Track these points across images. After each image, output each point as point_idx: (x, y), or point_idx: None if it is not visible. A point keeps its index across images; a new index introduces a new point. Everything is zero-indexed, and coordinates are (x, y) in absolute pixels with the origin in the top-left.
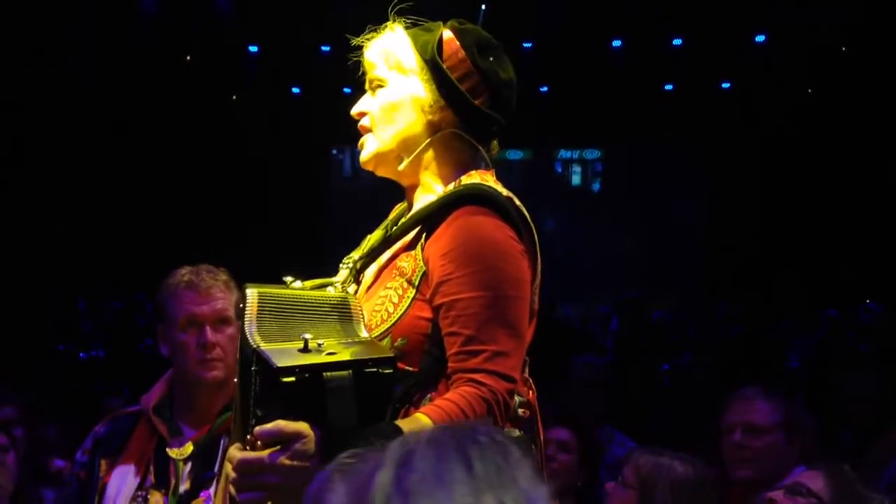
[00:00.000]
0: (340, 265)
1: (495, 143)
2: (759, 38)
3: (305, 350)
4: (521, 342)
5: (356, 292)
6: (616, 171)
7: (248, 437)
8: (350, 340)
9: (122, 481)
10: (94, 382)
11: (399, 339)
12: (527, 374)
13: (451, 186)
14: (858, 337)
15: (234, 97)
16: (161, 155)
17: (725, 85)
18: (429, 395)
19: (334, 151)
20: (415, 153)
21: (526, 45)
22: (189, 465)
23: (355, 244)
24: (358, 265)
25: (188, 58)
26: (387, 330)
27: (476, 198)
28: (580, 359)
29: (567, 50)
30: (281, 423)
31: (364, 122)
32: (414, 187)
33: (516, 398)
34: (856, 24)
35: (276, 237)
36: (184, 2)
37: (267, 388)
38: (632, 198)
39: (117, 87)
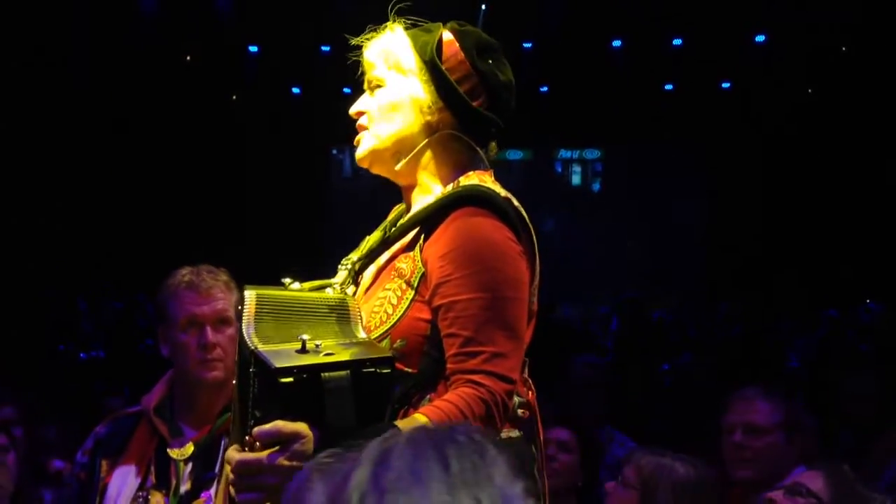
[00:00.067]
0: (339, 266)
1: (493, 144)
2: (759, 38)
3: (303, 351)
4: (520, 343)
5: (355, 294)
6: (616, 171)
7: (247, 438)
8: (348, 341)
9: (122, 482)
10: (94, 383)
11: (398, 341)
12: (526, 375)
13: (449, 187)
14: (858, 337)
15: (234, 97)
16: (161, 155)
17: (725, 85)
18: (428, 396)
19: (334, 151)
20: (412, 153)
21: (526, 45)
22: (190, 465)
23: (355, 244)
24: (356, 266)
25: (188, 58)
26: (386, 331)
27: (474, 199)
28: (580, 359)
29: (567, 50)
30: (279, 424)
31: (362, 121)
32: (411, 187)
33: (516, 399)
34: (856, 24)
35: (275, 237)
36: (184, 2)
37: (265, 390)
38: (632, 198)
39: (117, 87)
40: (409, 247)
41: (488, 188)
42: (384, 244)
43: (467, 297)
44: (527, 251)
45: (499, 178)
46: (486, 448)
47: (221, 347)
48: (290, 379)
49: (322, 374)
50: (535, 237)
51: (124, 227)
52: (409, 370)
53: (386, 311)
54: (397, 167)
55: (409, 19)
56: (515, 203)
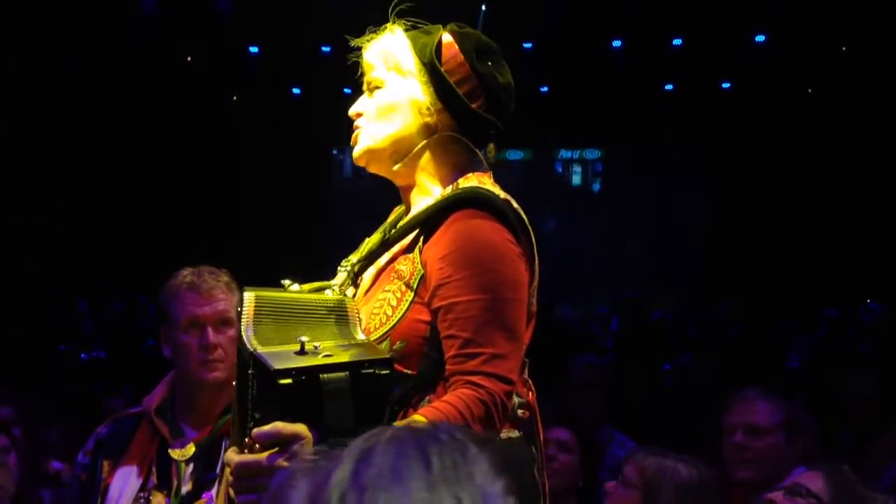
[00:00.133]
0: (339, 268)
1: (492, 146)
2: (759, 38)
3: (302, 353)
4: (519, 344)
5: (354, 295)
6: (616, 172)
7: (247, 439)
8: (347, 343)
9: (124, 482)
10: (95, 383)
11: (398, 342)
12: (526, 376)
13: (448, 189)
14: (859, 337)
15: (235, 98)
16: (161, 155)
17: (725, 85)
18: (427, 398)
19: (335, 152)
20: (410, 154)
21: (526, 45)
22: (191, 466)
23: (355, 245)
24: (356, 268)
25: (188, 58)
26: (385, 333)
27: (473, 201)
28: (580, 359)
29: (567, 50)
30: (279, 425)
31: (359, 121)
32: (410, 188)
33: (515, 399)
34: (856, 24)
35: (276, 238)
36: (184, 2)
37: (264, 391)
38: (632, 198)
39: (117, 87)
40: (409, 249)
41: (487, 190)
42: (383, 246)
43: (467, 299)
44: (526, 253)
45: (499, 179)
46: (467, 447)
47: (223, 348)
48: (289, 380)
49: (321, 376)
50: (534, 238)
51: (125, 227)
52: (409, 372)
53: (385, 313)
54: (395, 168)
55: (408, 21)
56: (514, 204)
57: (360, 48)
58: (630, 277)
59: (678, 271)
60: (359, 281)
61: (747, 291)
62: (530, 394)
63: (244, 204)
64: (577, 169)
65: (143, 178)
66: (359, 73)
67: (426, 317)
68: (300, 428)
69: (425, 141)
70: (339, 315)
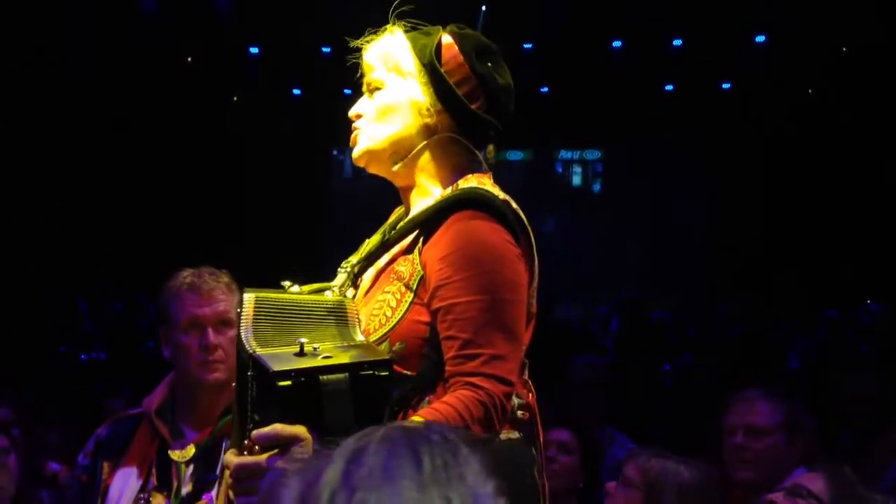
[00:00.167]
0: (339, 269)
1: (492, 147)
2: (760, 39)
3: (301, 354)
4: (519, 345)
5: (354, 296)
6: (616, 172)
7: (246, 441)
8: (346, 344)
9: (124, 484)
10: (95, 384)
11: (397, 343)
12: (526, 377)
13: (448, 190)
14: (859, 338)
15: (235, 98)
16: (161, 156)
17: (726, 85)
18: (427, 399)
19: (335, 152)
20: (410, 155)
21: (526, 45)
22: (191, 467)
23: (355, 245)
24: (355, 269)
25: (189, 59)
26: (385, 334)
27: (473, 202)
28: (580, 359)
29: (567, 51)
30: (278, 427)
31: (359, 123)
32: (409, 189)
33: (515, 400)
34: (856, 24)
35: (276, 238)
36: (184, 3)
37: (263, 393)
38: (632, 198)
39: (117, 87)
40: (408, 250)
41: (487, 191)
42: (383, 247)
43: (466, 300)
44: (525, 254)
45: (499, 179)
46: (458, 447)
47: (223, 349)
48: (289, 382)
49: (320, 377)
50: (533, 239)
51: (125, 227)
52: (408, 373)
53: (385, 314)
54: (394, 168)
55: (408, 22)
56: (514, 205)
57: (359, 49)
58: (630, 278)
59: (678, 272)
60: (358, 282)
61: (747, 292)
62: (530, 395)
63: (244, 204)
64: (578, 169)
65: (143, 178)
66: (358, 75)
67: (426, 318)
68: (300, 430)
69: (425, 142)
70: (339, 316)
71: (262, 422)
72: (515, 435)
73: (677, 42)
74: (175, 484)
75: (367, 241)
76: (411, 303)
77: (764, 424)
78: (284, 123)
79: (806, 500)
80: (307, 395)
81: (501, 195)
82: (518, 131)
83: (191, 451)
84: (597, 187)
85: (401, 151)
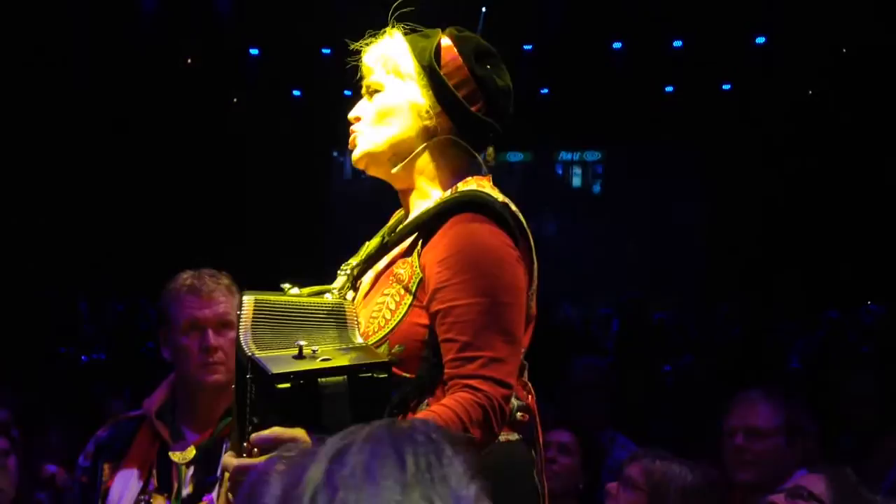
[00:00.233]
0: (338, 272)
1: (491, 149)
2: (760, 40)
3: (300, 357)
4: (517, 348)
5: (354, 299)
6: (617, 173)
7: (245, 444)
8: (345, 346)
9: (124, 485)
10: (95, 386)
11: (396, 346)
12: (525, 378)
13: (447, 193)
14: (859, 338)
15: (235, 99)
16: (161, 157)
17: (726, 86)
18: (426, 401)
19: (335, 154)
20: (409, 157)
21: (526, 47)
22: (192, 468)
23: (355, 247)
24: (355, 272)
25: (189, 60)
26: (384, 336)
27: (472, 205)
28: (581, 361)
29: (567, 52)
30: (277, 430)
31: (357, 126)
32: (409, 191)
33: (515, 402)
34: (856, 24)
35: (276, 240)
36: (184, 4)
37: (262, 396)
38: (632, 199)
39: (117, 88)
40: (408, 252)
41: (486, 194)
42: (382, 249)
43: (465, 303)
44: (524, 256)
45: (499, 180)
46: (443, 449)
47: (223, 351)
48: (287, 385)
49: (319, 380)
50: (532, 242)
51: (125, 228)
52: (408, 375)
53: (384, 317)
54: (394, 170)
55: (408, 25)
56: (513, 208)
57: (359, 51)
58: (631, 279)
59: (679, 273)
60: (358, 284)
61: (747, 293)
62: (530, 397)
63: (244, 206)
64: (578, 171)
65: (143, 179)
66: (358, 77)
67: (425, 320)
68: (299, 433)
69: (424, 144)
70: (338, 319)
71: (261, 424)
72: (515, 436)
73: (677, 43)
74: (175, 485)
75: (366, 243)
76: (410, 305)
77: (764, 426)
78: (284, 125)
79: (807, 502)
80: (306, 397)
81: (501, 198)
82: (518, 132)
83: (191, 452)
84: (597, 188)
85: (400, 154)
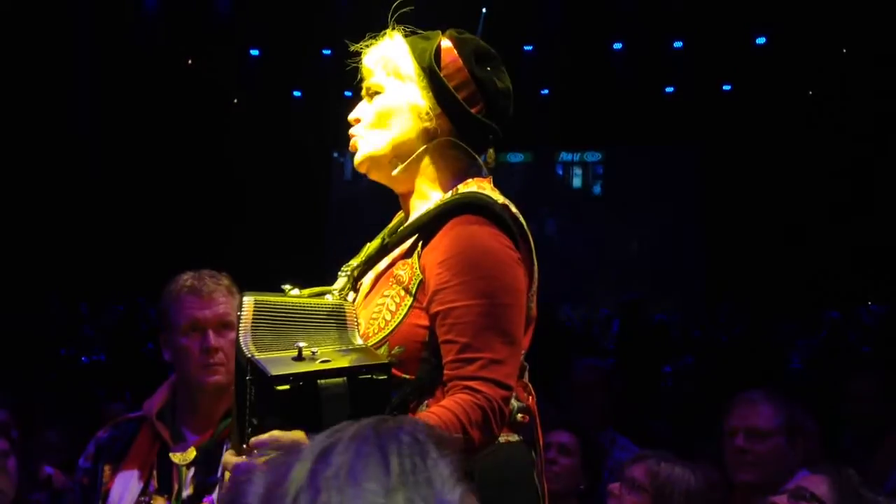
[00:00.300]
0: (339, 273)
1: (492, 151)
2: (760, 41)
3: (299, 358)
4: (517, 349)
5: (355, 300)
6: (617, 174)
7: (244, 446)
8: (345, 348)
9: (125, 487)
10: (95, 387)
11: (396, 347)
12: (526, 380)
13: (448, 194)
14: (860, 338)
15: (236, 100)
16: (162, 158)
17: (726, 87)
18: (426, 403)
19: (335, 155)
20: (410, 159)
21: (527, 48)
22: (192, 470)
23: (356, 248)
24: (355, 273)
25: (189, 61)
26: (384, 338)
27: (472, 207)
28: (582, 361)
29: (567, 53)
30: (276, 434)
31: (357, 127)
32: (409, 194)
33: (515, 403)
34: (856, 25)
35: (276, 240)
36: (185, 5)
37: (262, 397)
38: (632, 200)
39: (118, 89)
40: (408, 254)
41: (486, 195)
42: (383, 251)
43: (465, 304)
44: (524, 258)
45: (500, 181)
46: (428, 450)
47: (223, 352)
48: (287, 387)
49: (318, 382)
50: (532, 243)
51: (125, 229)
52: (408, 377)
53: (384, 318)
54: (394, 172)
55: (408, 27)
56: (513, 210)
57: (359, 53)
58: (631, 279)
59: (679, 273)
60: (359, 286)
61: (748, 293)
62: (530, 398)
63: (244, 207)
64: (578, 171)
65: (143, 180)
66: (358, 79)
67: (425, 322)
68: (298, 435)
69: (425, 146)
70: (338, 320)
71: (261, 425)
72: (515, 438)
73: (678, 44)
74: (176, 487)
75: (367, 244)
76: (410, 307)
77: (765, 426)
78: (285, 125)
79: (809, 503)
80: (305, 399)
81: (501, 199)
82: (519, 133)
83: (192, 453)
84: (597, 189)
85: (401, 156)
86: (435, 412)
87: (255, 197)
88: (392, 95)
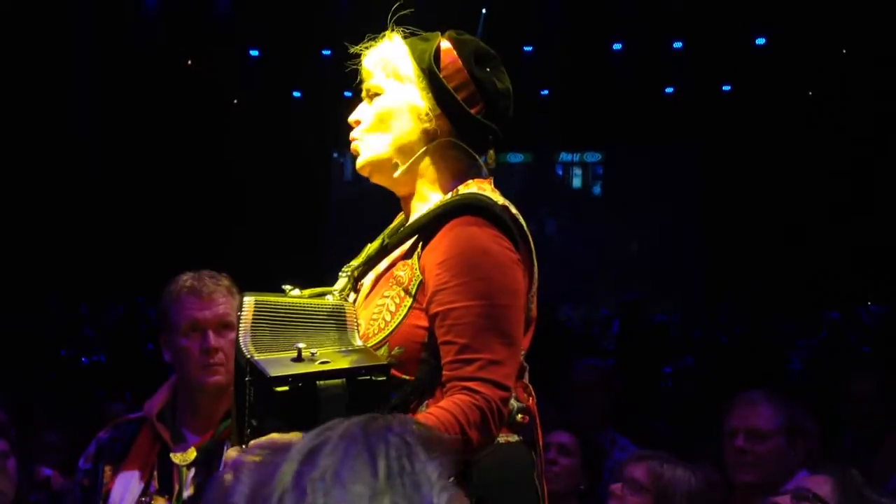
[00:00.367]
0: (340, 274)
1: (492, 152)
2: (760, 41)
3: (299, 359)
4: (516, 350)
5: (355, 301)
6: (617, 174)
7: (244, 447)
8: (344, 349)
9: (125, 487)
10: (96, 388)
11: (396, 348)
12: (527, 381)
13: (448, 196)
14: (860, 339)
15: (235, 101)
16: (162, 158)
17: (726, 87)
18: (425, 403)
19: (335, 155)
20: (411, 161)
21: (526, 48)
22: (193, 470)
23: (356, 248)
24: (355, 274)
25: (189, 62)
26: (384, 339)
27: (471, 208)
28: (582, 362)
29: (567, 53)
30: (275, 437)
31: (357, 130)
32: (410, 196)
33: (515, 404)
34: (856, 26)
35: (277, 240)
36: (185, 5)
37: (261, 398)
38: (632, 200)
39: (118, 90)
40: (408, 255)
41: (486, 197)
42: (383, 251)
43: (463, 305)
44: (524, 259)
45: (500, 181)
46: (416, 453)
47: (224, 352)
48: (286, 388)
49: (317, 383)
50: (532, 244)
51: (126, 230)
52: (407, 377)
53: (384, 319)
54: (396, 174)
55: (407, 28)
56: (513, 211)
57: (359, 55)
58: (631, 280)
59: (679, 274)
60: (359, 286)
61: (748, 293)
62: (531, 399)
63: (244, 207)
64: (578, 171)
65: (143, 180)
66: (358, 81)
67: (424, 322)
68: (296, 438)
69: (425, 147)
70: (338, 321)
71: (260, 426)
72: (515, 438)
73: (677, 44)
74: (177, 487)
75: (368, 245)
76: (410, 307)
77: (765, 427)
78: (285, 126)
79: None
80: (304, 400)
81: (501, 201)
82: (518, 134)
83: (192, 454)
84: (597, 189)
85: (402, 157)
86: (433, 413)
87: (255, 197)
88: (392, 97)
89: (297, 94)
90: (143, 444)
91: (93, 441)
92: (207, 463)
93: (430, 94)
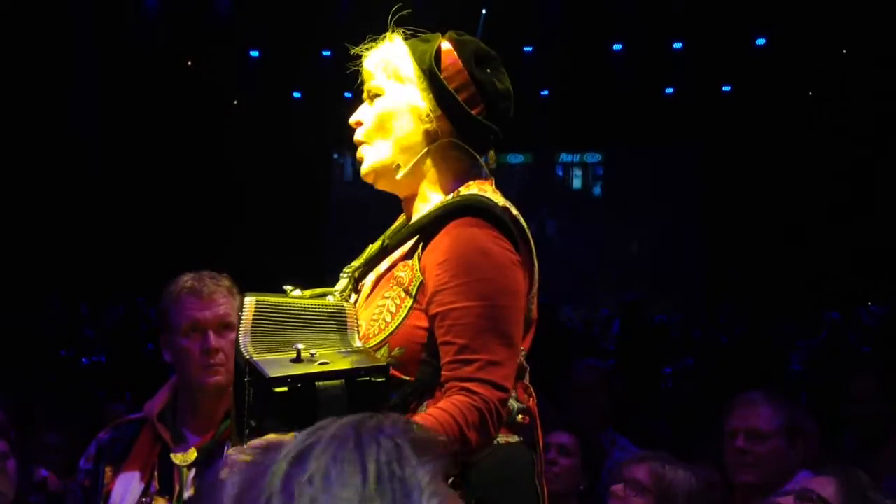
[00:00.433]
0: (341, 274)
1: (492, 152)
2: (760, 42)
3: (298, 360)
4: (515, 351)
5: (356, 302)
6: (617, 175)
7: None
8: (344, 350)
9: (126, 488)
10: (96, 388)
11: (396, 349)
12: (527, 381)
13: (449, 196)
14: (860, 339)
15: (236, 101)
16: (162, 159)
17: (726, 88)
18: (425, 404)
19: (335, 156)
20: (413, 162)
21: (526, 49)
22: (193, 471)
23: (357, 249)
24: (356, 274)
25: (189, 62)
26: (384, 339)
27: (472, 209)
28: (582, 362)
29: (567, 54)
30: (271, 438)
31: (359, 132)
32: (412, 198)
33: (515, 404)
34: (856, 26)
35: (277, 241)
36: (185, 5)
37: (260, 399)
38: (632, 201)
39: (119, 91)
40: (408, 255)
41: (487, 198)
42: (383, 252)
43: (463, 306)
44: (525, 260)
45: (500, 182)
46: (407, 458)
47: (224, 352)
48: (285, 388)
49: (316, 384)
50: (533, 245)
51: (126, 230)
52: (408, 378)
53: (384, 319)
54: (398, 176)
55: (408, 29)
56: (514, 212)
57: (359, 56)
58: (631, 280)
59: (679, 274)
60: (360, 287)
61: (749, 294)
62: (531, 399)
63: (245, 208)
64: (578, 172)
65: (143, 181)
66: (359, 82)
67: (425, 323)
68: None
69: (426, 148)
70: (338, 322)
71: (259, 427)
72: (515, 439)
73: (677, 45)
74: (177, 488)
75: (369, 246)
76: (410, 308)
77: (765, 427)
78: (285, 127)
79: None
80: (303, 401)
81: (502, 201)
82: (519, 134)
83: (193, 454)
84: (597, 190)
85: (404, 159)
86: (432, 414)
87: (255, 198)
88: (392, 98)
89: (297, 94)
90: (143, 445)
91: (93, 442)
92: (208, 463)
93: (430, 95)
